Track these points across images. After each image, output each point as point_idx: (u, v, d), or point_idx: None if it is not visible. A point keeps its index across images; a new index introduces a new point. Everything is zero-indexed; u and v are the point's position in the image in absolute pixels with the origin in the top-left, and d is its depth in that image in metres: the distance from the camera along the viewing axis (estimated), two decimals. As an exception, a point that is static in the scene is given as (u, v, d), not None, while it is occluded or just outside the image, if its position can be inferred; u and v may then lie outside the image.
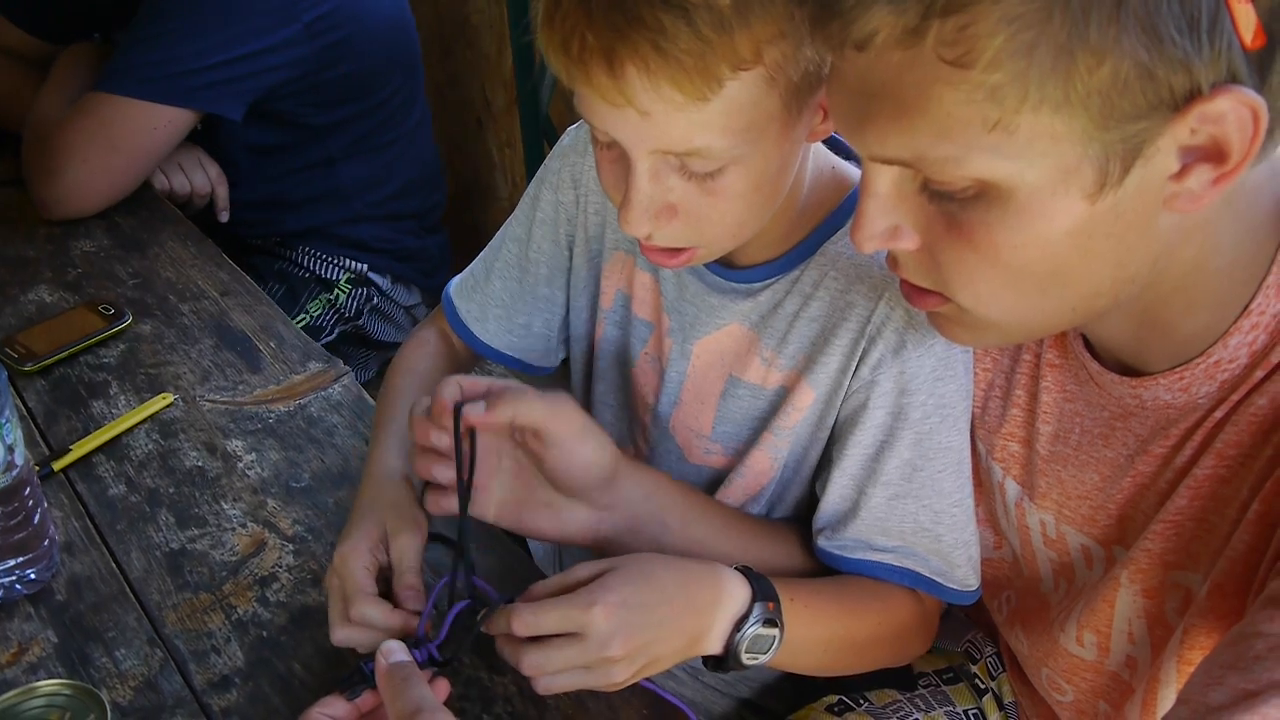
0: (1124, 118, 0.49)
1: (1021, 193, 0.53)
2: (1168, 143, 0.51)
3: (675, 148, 0.64)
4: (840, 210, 0.77)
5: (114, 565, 0.84)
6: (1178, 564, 0.67)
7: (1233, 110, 0.49)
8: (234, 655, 0.77)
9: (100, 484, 0.92)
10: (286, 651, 0.77)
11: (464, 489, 0.70)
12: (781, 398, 0.81)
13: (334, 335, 1.54)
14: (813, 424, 0.80)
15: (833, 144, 0.79)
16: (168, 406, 1.01)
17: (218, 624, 0.79)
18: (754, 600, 0.70)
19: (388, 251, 1.58)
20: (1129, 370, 0.67)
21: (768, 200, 0.70)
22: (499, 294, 0.93)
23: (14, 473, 0.76)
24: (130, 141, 1.29)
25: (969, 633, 0.94)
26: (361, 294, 1.56)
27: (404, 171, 1.56)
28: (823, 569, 0.80)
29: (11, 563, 0.78)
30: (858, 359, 0.76)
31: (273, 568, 0.84)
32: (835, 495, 0.78)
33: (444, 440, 0.70)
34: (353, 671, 0.68)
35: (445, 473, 0.71)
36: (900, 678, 0.89)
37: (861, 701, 0.87)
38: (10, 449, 0.75)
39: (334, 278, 1.54)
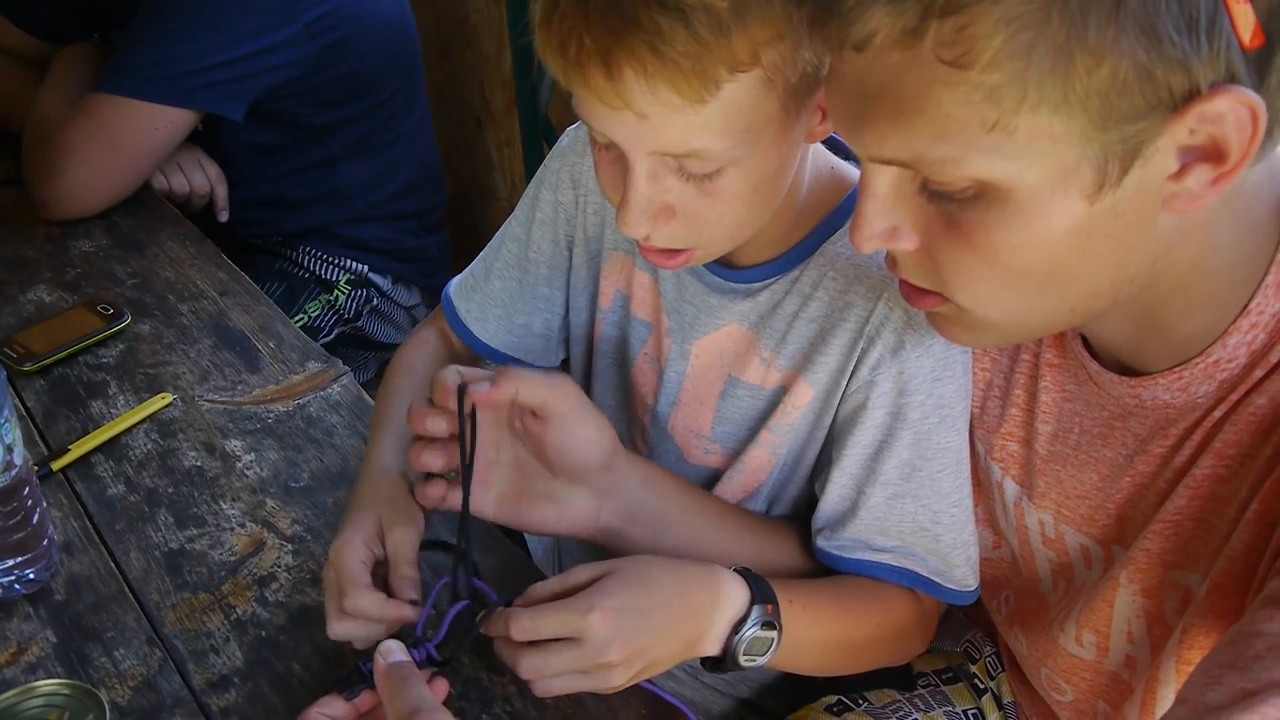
0: (1123, 118, 0.49)
1: (1020, 193, 0.53)
2: (1166, 143, 0.51)
3: (673, 149, 0.64)
4: (839, 210, 0.77)
5: (113, 565, 0.84)
6: (1177, 564, 0.67)
7: (1231, 110, 0.49)
8: (233, 655, 0.77)
9: (99, 484, 0.92)
10: (285, 651, 0.77)
11: (467, 468, 0.70)
12: (780, 397, 0.81)
13: (332, 336, 1.54)
14: (811, 421, 0.80)
15: (832, 144, 0.79)
16: (166, 406, 1.00)
17: (216, 624, 0.79)
18: (752, 603, 0.70)
19: (388, 252, 1.58)
20: (1128, 370, 0.67)
21: (766, 201, 0.70)
22: (498, 294, 0.93)
23: (13, 472, 0.76)
24: (131, 142, 1.29)
25: (968, 633, 0.94)
26: (361, 295, 1.56)
27: (405, 171, 1.56)
28: (821, 565, 0.80)
29: (10, 562, 0.78)
30: (856, 359, 0.76)
31: (271, 567, 0.84)
32: (834, 495, 0.78)
33: (441, 427, 0.71)
34: (351, 671, 0.68)
35: (438, 460, 0.72)
36: (899, 678, 0.89)
37: (861, 701, 0.87)
38: (9, 449, 0.75)
39: (334, 279, 1.54)
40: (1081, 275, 0.57)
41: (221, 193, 1.47)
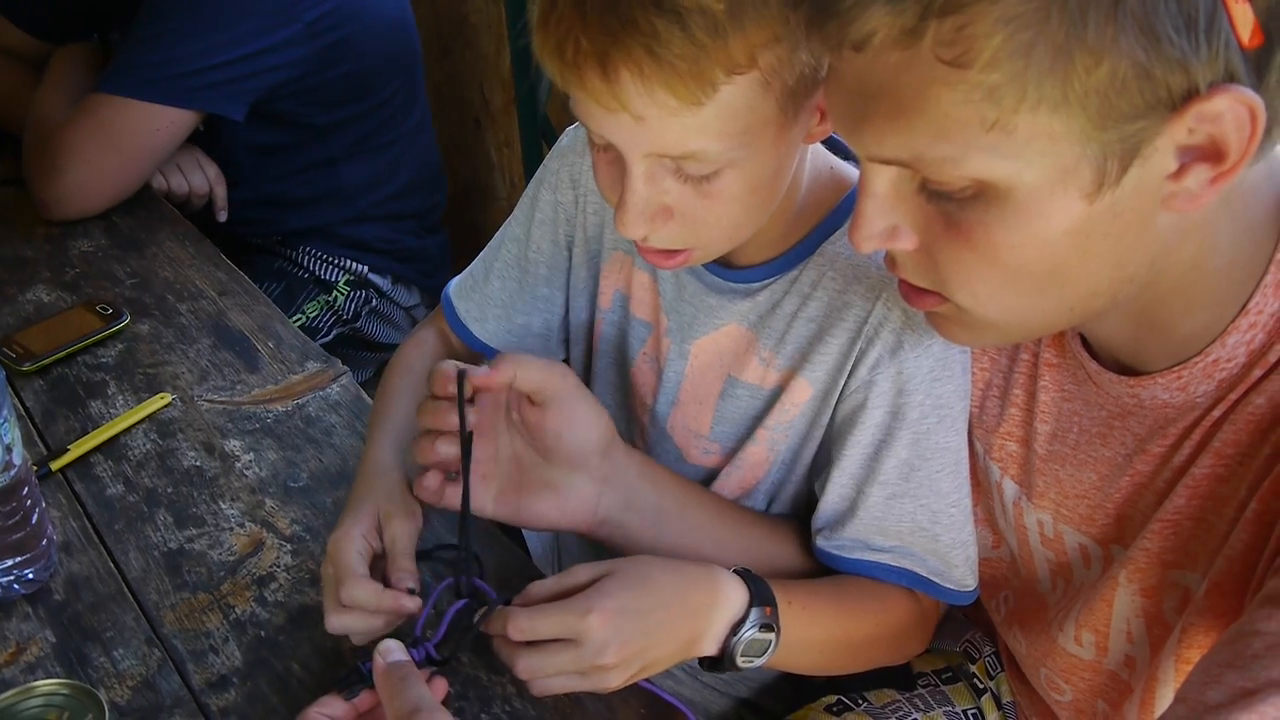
0: (1122, 117, 0.49)
1: (1019, 192, 0.53)
2: (1165, 142, 0.51)
3: (670, 151, 0.64)
4: (838, 210, 0.77)
5: (112, 565, 0.84)
6: (1176, 563, 0.67)
7: (1230, 110, 0.49)
8: (232, 655, 0.76)
9: (98, 484, 0.92)
10: (285, 651, 0.77)
11: (467, 454, 0.71)
12: (779, 395, 0.81)
13: (331, 337, 1.54)
14: (809, 420, 0.80)
15: (831, 144, 0.79)
16: (166, 406, 1.00)
17: (216, 624, 0.79)
18: (751, 605, 0.70)
19: (388, 252, 1.58)
20: (1127, 370, 0.67)
21: (764, 202, 0.70)
22: (498, 294, 0.93)
23: (12, 472, 0.76)
24: (132, 142, 1.29)
25: (967, 632, 0.94)
26: (360, 296, 1.56)
27: (405, 171, 1.56)
28: (821, 564, 0.80)
29: (9, 562, 0.78)
30: (855, 359, 0.76)
31: (271, 567, 0.84)
32: (834, 495, 0.78)
33: (452, 420, 0.71)
34: (350, 671, 0.68)
35: (453, 448, 0.72)
36: (899, 678, 0.89)
37: (860, 701, 0.87)
38: (8, 449, 0.75)
39: (333, 279, 1.54)
40: (1081, 274, 0.57)
41: (221, 193, 1.47)
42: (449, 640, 0.70)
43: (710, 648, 0.70)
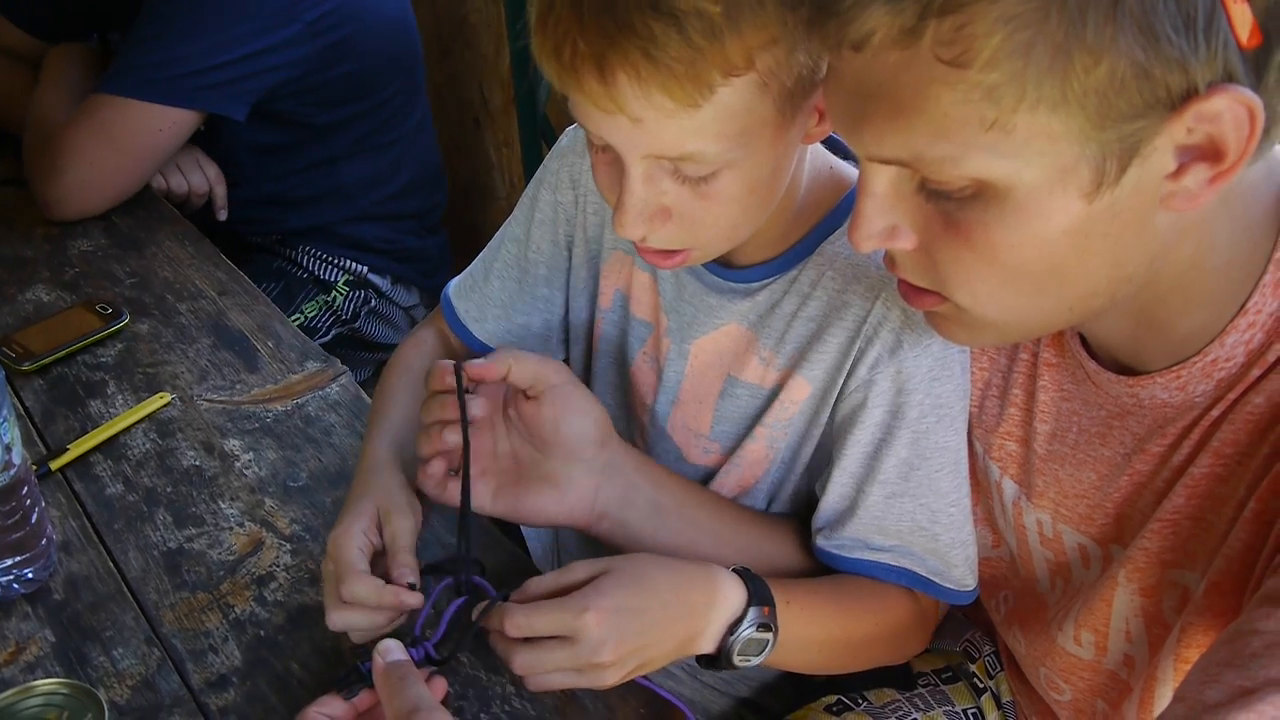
0: (1121, 117, 0.50)
1: (1019, 192, 0.53)
2: (1164, 142, 0.51)
3: (668, 153, 0.64)
4: (838, 210, 0.77)
5: (111, 565, 0.84)
6: (1175, 563, 0.67)
7: (1229, 109, 0.49)
8: (231, 654, 0.76)
9: (98, 483, 0.92)
10: (284, 651, 0.77)
11: (466, 446, 0.71)
12: (778, 394, 0.81)
13: (329, 337, 1.54)
14: (808, 418, 0.80)
15: (831, 143, 0.79)
16: (165, 406, 1.00)
17: (215, 623, 0.79)
18: (749, 604, 0.70)
19: (388, 252, 1.58)
20: (1126, 369, 0.67)
21: (763, 203, 0.70)
22: (497, 294, 0.93)
23: (11, 472, 0.76)
24: (134, 142, 1.29)
25: (967, 632, 0.94)
26: (359, 296, 1.56)
27: (406, 171, 1.56)
28: (820, 563, 0.80)
29: (9, 562, 0.78)
30: (854, 358, 0.76)
31: (270, 567, 0.84)
32: (834, 495, 0.78)
33: (455, 410, 0.72)
34: (350, 670, 0.68)
35: (453, 436, 0.73)
36: (899, 677, 0.89)
37: (860, 701, 0.87)
38: (8, 448, 0.75)
39: (332, 279, 1.54)
40: (1080, 274, 0.57)
41: (220, 192, 1.47)
42: (448, 639, 0.70)
43: (708, 646, 0.70)
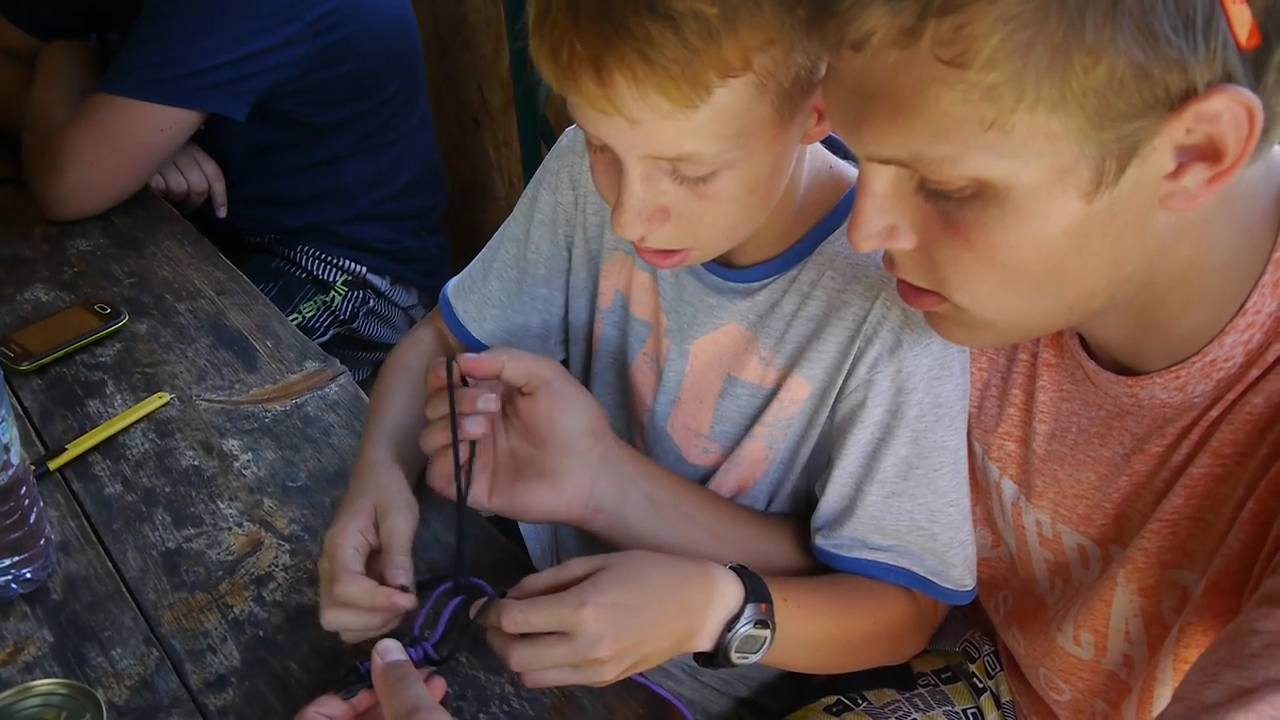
0: (1120, 117, 0.50)
1: (1018, 192, 0.53)
2: (1163, 142, 0.51)
3: (665, 153, 0.64)
4: (838, 210, 0.77)
5: (110, 565, 0.84)
6: (1174, 563, 0.67)
7: (1228, 109, 0.49)
8: (230, 655, 0.76)
9: (96, 483, 0.92)
10: (283, 651, 0.77)
11: (455, 432, 0.72)
12: (778, 393, 0.81)
13: (327, 337, 1.54)
14: (807, 418, 0.80)
15: (830, 143, 0.79)
16: (164, 406, 1.00)
17: (214, 623, 0.79)
18: (746, 601, 0.70)
19: (387, 252, 1.58)
20: (1125, 369, 0.67)
21: (761, 203, 0.70)
22: (496, 294, 0.93)
23: (10, 472, 0.76)
24: (135, 142, 1.29)
25: (967, 632, 0.94)
26: (358, 297, 1.56)
27: (406, 171, 1.56)
28: (818, 562, 0.80)
29: (7, 562, 0.78)
30: (854, 357, 0.76)
31: (269, 567, 0.84)
32: (833, 494, 0.78)
33: (460, 404, 0.72)
34: (349, 671, 0.68)
35: (475, 428, 0.73)
36: (898, 677, 0.90)
37: (860, 701, 0.88)
38: (6, 448, 0.75)
39: (331, 279, 1.54)
40: (1079, 274, 0.57)
41: (219, 189, 1.47)
42: (447, 639, 0.70)
43: (705, 643, 0.70)
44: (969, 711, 0.89)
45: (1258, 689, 0.49)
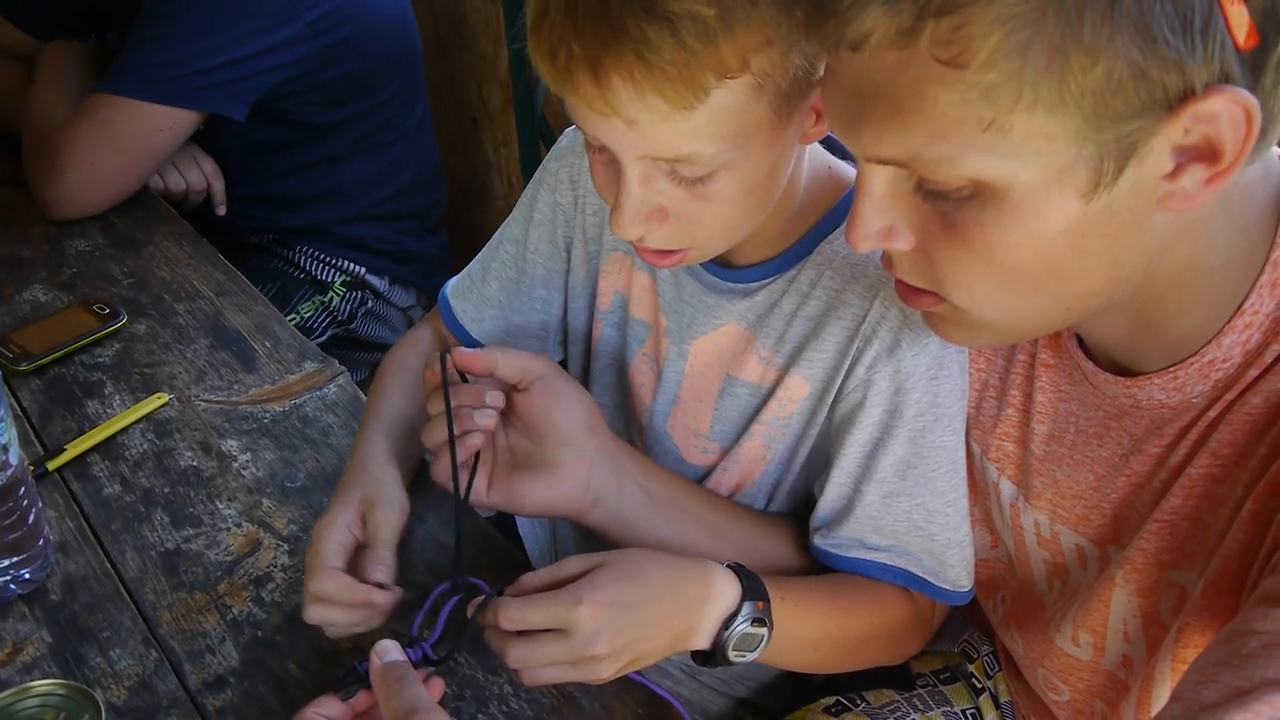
0: (1118, 117, 0.50)
1: (1016, 192, 0.53)
2: (1161, 142, 0.51)
3: (663, 154, 0.65)
4: (837, 210, 0.78)
5: (108, 565, 0.84)
6: (1173, 563, 0.67)
7: (1226, 110, 0.49)
8: (229, 655, 0.76)
9: (95, 484, 0.92)
10: (281, 651, 0.77)
11: (452, 432, 0.72)
12: (777, 392, 0.81)
13: (325, 337, 1.54)
14: (805, 417, 0.80)
15: (829, 143, 0.79)
16: (163, 406, 1.00)
17: (212, 624, 0.79)
18: (743, 599, 0.70)
19: (386, 253, 1.58)
20: (1123, 370, 0.67)
21: (760, 203, 0.70)
22: (495, 295, 0.93)
23: (8, 472, 0.76)
24: (134, 142, 1.29)
25: (965, 632, 0.94)
26: (356, 297, 1.56)
27: (406, 171, 1.56)
28: (816, 563, 0.80)
29: (6, 562, 0.78)
30: (853, 357, 0.76)
31: (268, 567, 0.84)
32: (832, 494, 0.78)
33: (463, 397, 0.73)
34: (347, 671, 0.68)
35: (485, 420, 0.74)
36: (897, 678, 0.90)
37: (859, 702, 0.88)
38: (5, 448, 0.75)
39: (329, 280, 1.54)
40: (1077, 274, 0.57)
41: (219, 187, 1.47)
42: (445, 640, 0.70)
43: (702, 641, 0.70)
44: (968, 712, 0.90)
45: (1255, 689, 0.49)
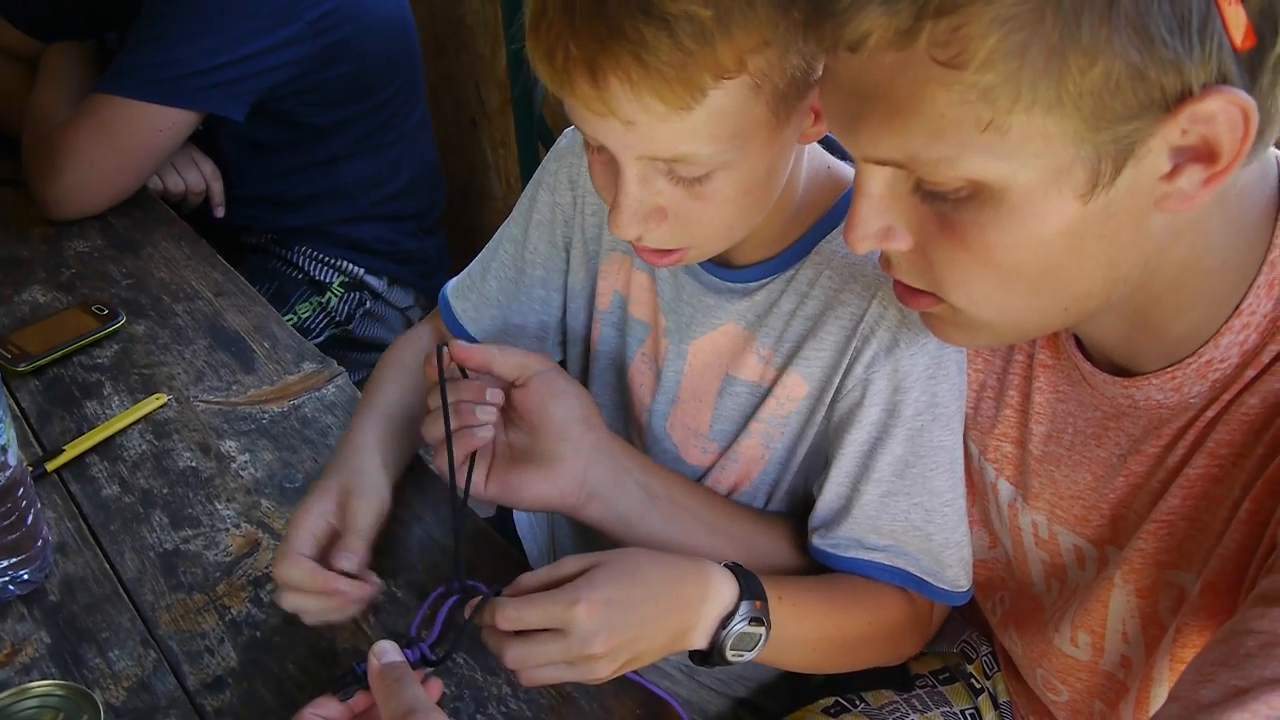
0: (1115, 118, 0.50)
1: (1014, 193, 0.53)
2: (1159, 143, 0.51)
3: (661, 154, 0.65)
4: (835, 210, 0.78)
5: (107, 566, 0.84)
6: (1171, 563, 0.68)
7: (1223, 111, 0.49)
8: (227, 656, 0.76)
9: (94, 485, 0.92)
10: (280, 652, 0.77)
11: (449, 427, 0.72)
12: (775, 391, 0.81)
13: (323, 338, 1.53)
14: (804, 416, 0.80)
15: (828, 143, 0.79)
16: (161, 407, 1.00)
17: (211, 625, 0.79)
18: (741, 598, 0.70)
19: (385, 253, 1.58)
20: (1121, 370, 0.67)
21: (758, 203, 0.70)
22: (495, 295, 0.94)
23: (7, 473, 0.76)
24: (133, 142, 1.29)
25: (964, 632, 0.94)
26: (354, 298, 1.56)
27: (406, 171, 1.56)
28: (814, 563, 0.80)
29: (5, 563, 0.78)
30: (851, 357, 0.76)
31: (266, 568, 0.84)
32: (830, 493, 0.78)
33: (463, 391, 0.73)
34: (346, 672, 0.68)
35: (485, 414, 0.74)
36: (896, 678, 0.90)
37: (858, 702, 0.88)
38: (3, 449, 0.75)
39: (327, 280, 1.54)
40: (1075, 275, 0.57)
41: (217, 188, 1.47)
42: (443, 640, 0.70)
43: (700, 641, 0.70)
44: (967, 712, 0.90)
45: (1253, 688, 0.49)
